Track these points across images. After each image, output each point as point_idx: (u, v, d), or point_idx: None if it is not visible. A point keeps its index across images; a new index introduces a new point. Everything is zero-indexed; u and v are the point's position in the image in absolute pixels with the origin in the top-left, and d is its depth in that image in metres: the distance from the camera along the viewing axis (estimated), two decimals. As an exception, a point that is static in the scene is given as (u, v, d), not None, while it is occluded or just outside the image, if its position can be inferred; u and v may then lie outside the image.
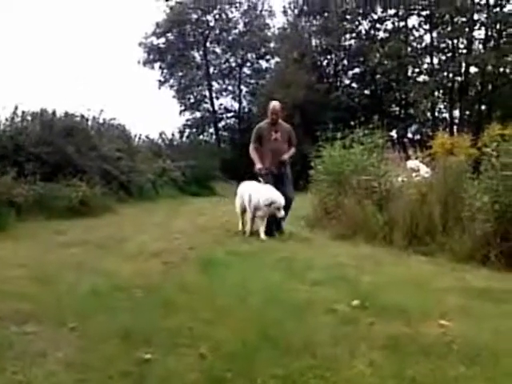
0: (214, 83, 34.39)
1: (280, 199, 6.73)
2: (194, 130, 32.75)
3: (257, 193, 6.99)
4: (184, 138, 25.60)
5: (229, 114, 34.88)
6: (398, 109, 28.54)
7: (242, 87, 34.37)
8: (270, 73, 31.16)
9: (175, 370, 2.48)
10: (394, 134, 23.78)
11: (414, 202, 6.48)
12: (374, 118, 8.97)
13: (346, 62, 29.09)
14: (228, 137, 34.90)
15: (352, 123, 9.10)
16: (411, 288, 4.10)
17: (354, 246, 6.27)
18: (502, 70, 24.96)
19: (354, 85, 28.83)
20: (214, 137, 34.02)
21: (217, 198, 17.74)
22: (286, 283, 4.32)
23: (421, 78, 26.54)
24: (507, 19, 23.53)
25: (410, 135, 26.76)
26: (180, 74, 33.36)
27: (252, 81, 34.35)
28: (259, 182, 7.27)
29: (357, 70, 28.76)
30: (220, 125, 34.68)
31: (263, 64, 34.23)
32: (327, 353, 2.68)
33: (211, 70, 34.40)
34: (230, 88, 34.72)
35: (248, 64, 34.62)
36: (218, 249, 6.03)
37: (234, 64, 34.68)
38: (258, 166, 7.34)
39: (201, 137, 32.29)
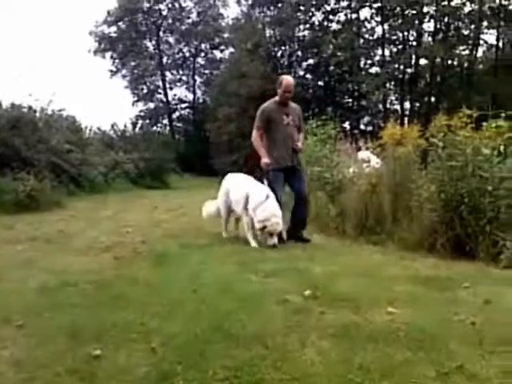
0: (167, 73, 34.06)
1: (277, 218, 5.51)
2: (148, 121, 32.35)
3: (254, 198, 5.66)
4: (137, 130, 25.16)
5: (183, 105, 34.64)
6: (350, 100, 29.05)
7: (196, 77, 34.18)
8: (225, 63, 31.07)
9: (125, 366, 2.45)
10: (346, 125, 24.18)
11: (364, 193, 6.61)
12: (327, 109, 9.11)
13: (299, 53, 29.35)
14: (182, 128, 34.66)
15: (306, 114, 9.19)
16: (361, 277, 4.19)
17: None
18: (449, 62, 25.76)
19: (308, 76, 29.14)
20: (168, 128, 33.68)
21: (171, 191, 17.58)
22: (238, 275, 4.32)
23: (373, 70, 27.12)
24: (455, 13, 24.26)
25: (362, 126, 27.30)
26: (132, 63, 32.82)
27: (206, 71, 34.20)
28: (261, 181, 6.00)
29: (311, 62, 29.09)
30: (174, 116, 34.37)
31: (217, 54, 34.16)
32: (278, 342, 2.70)
33: (164, 59, 34.03)
34: (183, 78, 34.46)
35: (202, 54, 34.44)
36: (171, 242, 5.98)
37: (187, 54, 34.41)
38: (266, 160, 5.90)
39: (154, 128, 31.88)
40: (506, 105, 7.26)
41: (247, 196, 5.75)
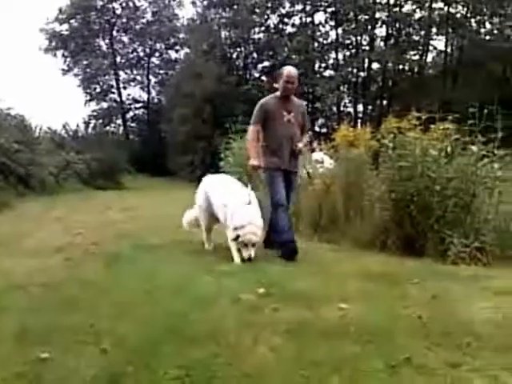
0: (121, 73, 33.45)
1: (253, 227, 4.80)
2: (101, 120, 31.64)
3: (232, 203, 5.01)
4: (89, 130, 24.62)
5: (137, 105, 34.14)
6: (305, 102, 29.32)
7: (151, 77, 33.77)
8: (180, 63, 30.81)
9: (74, 368, 2.39)
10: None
11: (318, 193, 6.71)
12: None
13: (255, 55, 29.44)
14: (137, 128, 34.14)
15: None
16: (315, 275, 4.25)
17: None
18: (401, 66, 26.50)
19: (263, 78, 29.24)
20: (121, 128, 33.10)
21: (125, 192, 17.30)
22: (193, 276, 4.29)
23: (327, 73, 27.53)
24: (405, 19, 25.00)
25: (316, 129, 27.65)
26: (85, 62, 32.10)
27: (161, 71, 33.83)
28: (245, 185, 5.26)
29: (266, 64, 29.22)
30: (128, 116, 33.81)
31: (172, 54, 33.84)
32: (232, 340, 2.71)
33: (118, 59, 33.45)
34: (138, 78, 33.99)
35: (157, 54, 34.04)
36: (124, 243, 5.88)
37: (142, 54, 33.97)
38: (254, 161, 5.22)
39: (108, 128, 31.25)
40: (453, 108, 7.52)
41: (225, 205, 5.09)
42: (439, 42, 26.61)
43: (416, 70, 26.52)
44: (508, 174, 5.88)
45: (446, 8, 24.78)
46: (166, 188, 19.35)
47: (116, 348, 2.60)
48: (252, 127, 5.37)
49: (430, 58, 27.63)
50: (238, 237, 4.77)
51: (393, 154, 5.88)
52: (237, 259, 4.88)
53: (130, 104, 33.85)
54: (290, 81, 5.30)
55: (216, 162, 10.49)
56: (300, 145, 5.38)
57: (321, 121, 29.03)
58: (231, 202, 5.01)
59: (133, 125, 34.29)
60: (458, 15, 25.23)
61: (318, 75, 27.15)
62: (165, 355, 2.50)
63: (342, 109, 27.97)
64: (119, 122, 33.57)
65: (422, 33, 25.62)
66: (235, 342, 2.68)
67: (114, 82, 33.15)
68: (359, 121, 25.12)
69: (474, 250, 5.10)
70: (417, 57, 26.22)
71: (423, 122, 5.91)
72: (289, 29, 28.05)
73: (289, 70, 5.38)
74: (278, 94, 5.42)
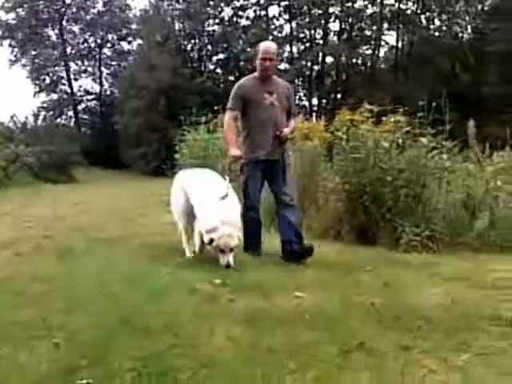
0: (71, 64, 32.46)
1: (228, 228, 4.14)
2: (51, 112, 30.65)
3: (202, 201, 4.41)
4: (39, 122, 23.84)
5: (89, 97, 33.27)
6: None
7: (103, 69, 32.95)
8: (133, 55, 30.23)
9: (26, 363, 2.32)
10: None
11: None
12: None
13: (209, 47, 29.24)
14: (89, 120, 33.29)
15: (216, 108, 9.22)
16: (270, 265, 4.29)
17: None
18: (354, 60, 26.94)
19: (218, 70, 29.12)
20: (73, 120, 32.20)
21: (77, 185, 16.89)
22: (148, 268, 4.24)
23: (282, 66, 27.60)
24: (358, 14, 25.42)
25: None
26: (33, 52, 30.96)
27: (113, 62, 33.06)
28: (224, 178, 4.62)
29: (221, 56, 29.09)
30: (80, 108, 32.90)
31: (125, 46, 33.10)
32: (188, 331, 2.69)
33: (68, 49, 32.44)
34: (89, 69, 33.09)
35: (108, 45, 33.23)
36: (77, 236, 5.75)
37: (93, 44, 33.07)
38: (234, 151, 4.56)
39: (58, 120, 30.33)
40: (404, 101, 7.71)
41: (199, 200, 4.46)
42: (391, 37, 27.29)
43: (369, 64, 27.07)
44: (456, 165, 6.12)
45: (396, 4, 25.39)
46: (120, 181, 19.02)
47: (69, 342, 2.54)
48: (228, 114, 4.67)
49: (382, 53, 28.25)
50: (212, 241, 4.10)
51: (346, 146, 6.00)
52: (188, 253, 4.61)
53: (81, 96, 32.96)
54: (268, 57, 4.58)
55: (171, 154, 10.36)
56: (286, 130, 4.65)
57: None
58: (202, 199, 4.39)
59: (85, 117, 33.42)
60: (409, 11, 25.90)
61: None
62: (120, 348, 2.46)
63: (296, 102, 28.19)
64: (71, 113, 32.67)
65: (374, 28, 26.16)
66: (192, 333, 2.67)
67: (64, 74, 32.20)
68: (314, 114, 25.41)
69: (424, 238, 5.28)
70: (369, 51, 26.79)
71: (375, 115, 6.04)
72: (243, 21, 28.05)
73: (266, 45, 4.72)
74: (256, 74, 4.73)
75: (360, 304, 3.19)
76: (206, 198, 4.33)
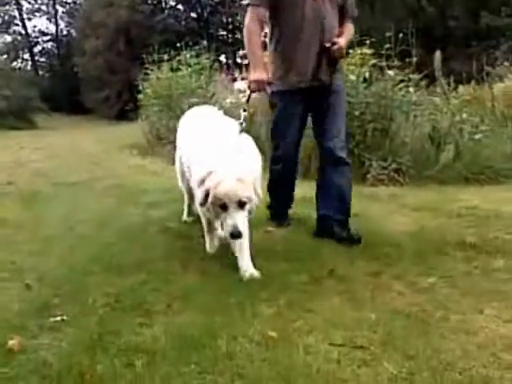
0: (23, 2, 30.64)
1: (230, 172, 2.48)
2: (5, 55, 29.12)
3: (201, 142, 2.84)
4: (-6, 66, 22.68)
5: (45, 38, 31.67)
6: (225, 33, 28.58)
7: (58, 7, 31.20)
8: (89, -9, 28.61)
9: (-3, 304, 2.30)
10: (223, 58, 23.89)
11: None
12: (201, 41, 8.87)
13: (169, -19, 27.94)
14: (46, 63, 31.85)
15: (179, 45, 8.92)
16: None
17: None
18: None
19: (179, 7, 27.98)
20: (29, 63, 30.78)
21: (39, 131, 16.38)
22: (118, 209, 4.21)
23: (245, 1, 26.75)
24: None
25: (238, 60, 27.15)
26: (-19, -10, 29.00)
27: (69, 0, 31.32)
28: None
29: (182, -8, 27.87)
30: (36, 50, 31.37)
31: (80, -18, 31.23)
32: (161, 267, 2.70)
33: (19, -14, 30.48)
34: (43, 8, 31.28)
35: (62, -19, 31.34)
36: (42, 181, 5.62)
37: (45, -19, 31.12)
38: (257, 74, 3.02)
39: (14, 64, 28.92)
40: (371, 34, 7.58)
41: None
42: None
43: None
44: (422, 98, 6.14)
45: None
46: (83, 126, 18.50)
47: (41, 282, 2.52)
48: (250, 13, 3.10)
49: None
50: (207, 196, 2.50)
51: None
52: (209, 248, 2.97)
53: (36, 37, 31.36)
54: None
55: (134, 96, 10.04)
56: (341, 40, 3.13)
57: (242, 52, 28.46)
58: (201, 141, 2.84)
59: (42, 59, 31.96)
60: None
61: (236, 3, 26.35)
62: (92, 285, 2.46)
63: (262, 39, 27.52)
64: (26, 56, 31.19)
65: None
66: (164, 269, 2.68)
67: (16, 13, 30.44)
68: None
69: (391, 171, 5.35)
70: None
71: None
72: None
73: None
74: None
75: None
76: (205, 139, 2.80)
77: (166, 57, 8.56)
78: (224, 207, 2.44)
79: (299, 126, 3.30)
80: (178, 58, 8.45)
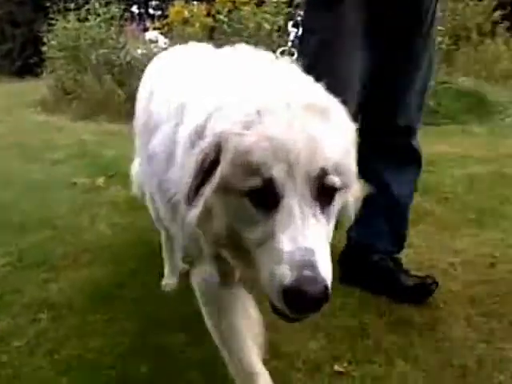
0: None
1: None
2: None
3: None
4: None
5: None
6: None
7: None
8: None
9: None
10: (135, 9, 22.82)
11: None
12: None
13: None
14: None
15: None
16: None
17: (97, 126, 6.00)
18: None
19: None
20: None
21: None
22: (20, 167, 3.96)
23: None
24: None
25: (151, 11, 26.09)
26: None
27: None
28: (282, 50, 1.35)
29: None
30: None
31: None
32: (68, 222, 2.60)
33: None
34: None
35: None
36: None
37: None
38: None
39: None
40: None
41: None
42: None
43: None
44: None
45: None
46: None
47: None
48: None
49: None
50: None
51: (228, 30, 5.79)
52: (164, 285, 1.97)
53: None
54: None
55: (39, 49, 9.35)
56: None
57: (155, 3, 27.31)
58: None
59: None
60: None
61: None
62: (-9, 246, 2.31)
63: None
64: None
65: None
66: (71, 223, 2.59)
67: None
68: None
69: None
70: None
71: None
72: None
73: None
74: None
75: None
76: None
77: (72, 6, 8.00)
78: (267, 196, 0.83)
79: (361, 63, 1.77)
80: (86, 6, 7.93)
